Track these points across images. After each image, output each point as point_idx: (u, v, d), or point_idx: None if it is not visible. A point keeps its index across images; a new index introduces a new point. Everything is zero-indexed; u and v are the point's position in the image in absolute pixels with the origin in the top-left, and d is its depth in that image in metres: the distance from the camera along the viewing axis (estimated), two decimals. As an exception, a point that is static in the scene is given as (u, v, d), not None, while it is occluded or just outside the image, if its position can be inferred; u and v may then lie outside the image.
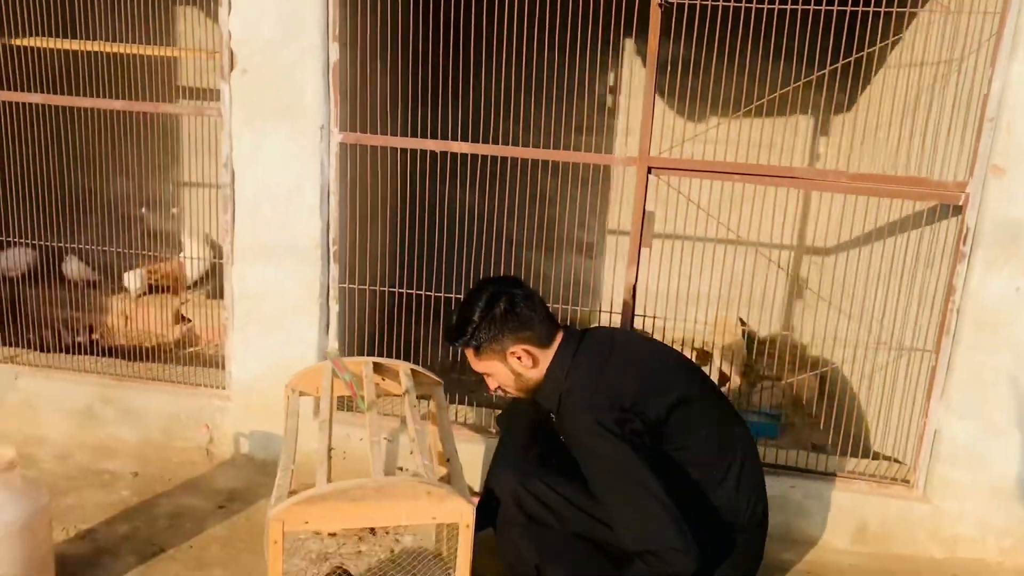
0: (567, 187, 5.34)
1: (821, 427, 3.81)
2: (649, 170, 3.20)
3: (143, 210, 5.40)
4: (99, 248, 4.24)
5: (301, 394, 3.01)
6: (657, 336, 3.73)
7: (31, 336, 4.50)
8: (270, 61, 3.29)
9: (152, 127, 5.14)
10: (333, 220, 3.44)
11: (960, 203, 3.04)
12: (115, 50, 3.75)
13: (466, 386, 4.02)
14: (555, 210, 5.46)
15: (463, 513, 2.34)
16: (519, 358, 2.60)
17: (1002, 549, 3.30)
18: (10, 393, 3.83)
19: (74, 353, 4.15)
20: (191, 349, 4.86)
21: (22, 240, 4.08)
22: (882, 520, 3.34)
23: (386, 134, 3.68)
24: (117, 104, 3.53)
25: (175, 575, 2.96)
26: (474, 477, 3.33)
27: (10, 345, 4.09)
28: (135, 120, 4.73)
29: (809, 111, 5.11)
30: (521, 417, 2.95)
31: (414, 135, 4.40)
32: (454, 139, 3.42)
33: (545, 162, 5.27)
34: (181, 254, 5.46)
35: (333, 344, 3.39)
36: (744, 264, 4.10)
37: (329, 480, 2.34)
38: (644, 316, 3.45)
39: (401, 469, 3.21)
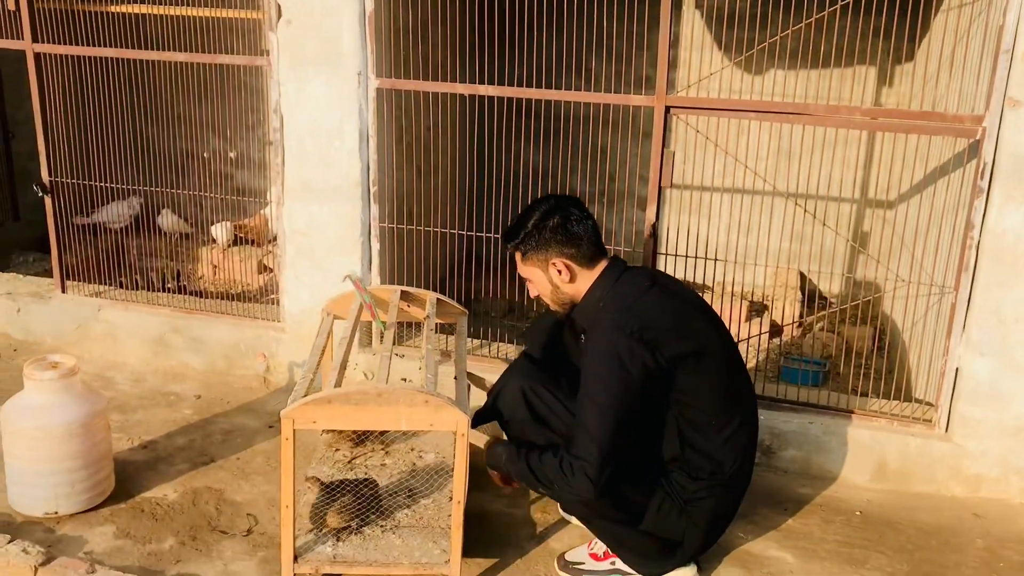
0: (626, 141, 5.42)
1: (870, 377, 3.82)
2: (668, 110, 3.29)
3: (232, 154, 5.77)
4: (193, 193, 4.57)
5: (335, 317, 3.25)
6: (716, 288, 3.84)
7: (123, 280, 4.92)
8: (312, 10, 3.52)
9: (240, 90, 5.49)
10: (372, 162, 3.66)
11: (977, 137, 3.01)
12: (180, 12, 4.05)
13: (507, 325, 4.22)
14: (614, 165, 5.56)
15: (458, 421, 2.53)
16: (559, 271, 2.72)
17: (1025, 490, 3.28)
18: (94, 323, 4.23)
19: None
20: (272, 296, 5.22)
21: (128, 186, 4.44)
22: (902, 458, 3.36)
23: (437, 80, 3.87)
24: (180, 56, 3.84)
25: (220, 480, 3.27)
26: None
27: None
28: (226, 80, 5.07)
29: (872, 60, 5.04)
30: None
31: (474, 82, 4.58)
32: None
33: (604, 117, 5.38)
34: (265, 208, 5.83)
35: (354, 269, 3.63)
36: (804, 217, 4.11)
37: (338, 387, 2.57)
38: (666, 255, 3.54)
39: (405, 380, 3.42)
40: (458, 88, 3.55)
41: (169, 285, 5.47)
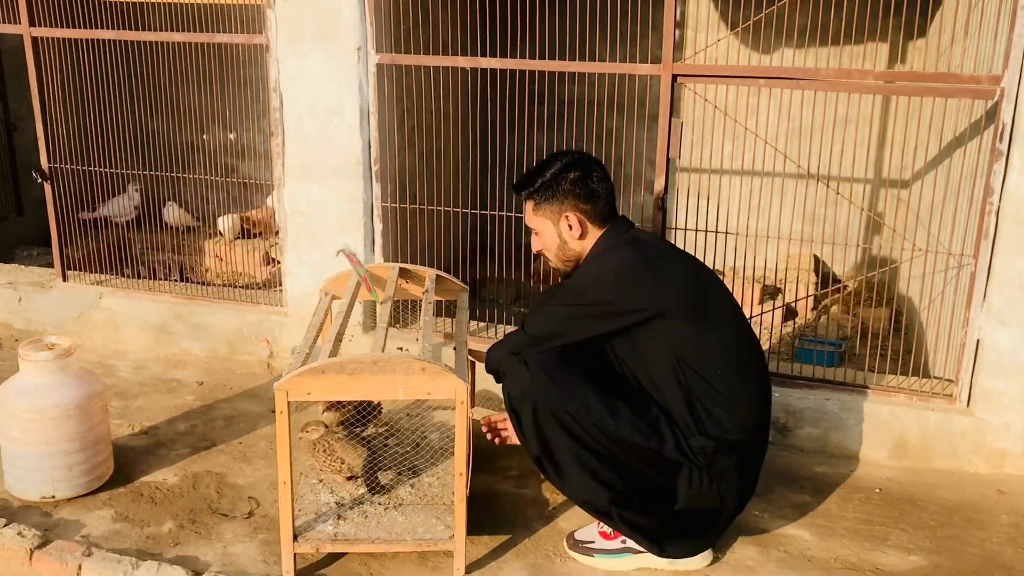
0: (632, 125, 5.34)
1: (888, 357, 3.71)
2: (674, 79, 3.20)
3: (231, 135, 5.73)
4: (196, 176, 4.51)
5: (333, 297, 3.18)
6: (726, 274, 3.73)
7: (127, 272, 4.87)
8: (309, -15, 3.46)
9: (244, 82, 5.44)
10: (374, 140, 3.59)
11: (995, 99, 2.91)
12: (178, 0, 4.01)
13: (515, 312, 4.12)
14: (620, 148, 5.47)
15: (456, 389, 2.45)
16: (570, 226, 2.65)
17: (1051, 465, 3.17)
18: (95, 312, 4.18)
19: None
20: (278, 288, 5.16)
21: (129, 171, 4.39)
22: (922, 434, 3.25)
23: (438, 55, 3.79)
24: (178, 36, 3.78)
25: (221, 464, 3.20)
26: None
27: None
28: (228, 71, 5.02)
29: (883, 36, 4.93)
30: None
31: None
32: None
33: (611, 99, 5.29)
34: (269, 198, 5.78)
35: (348, 243, 3.55)
36: (817, 198, 4.01)
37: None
38: (675, 229, 3.45)
39: (401, 349, 3.34)
40: (460, 61, 3.47)
41: (173, 277, 5.43)
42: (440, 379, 2.43)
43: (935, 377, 3.44)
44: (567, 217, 2.65)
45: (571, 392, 2.54)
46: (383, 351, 2.50)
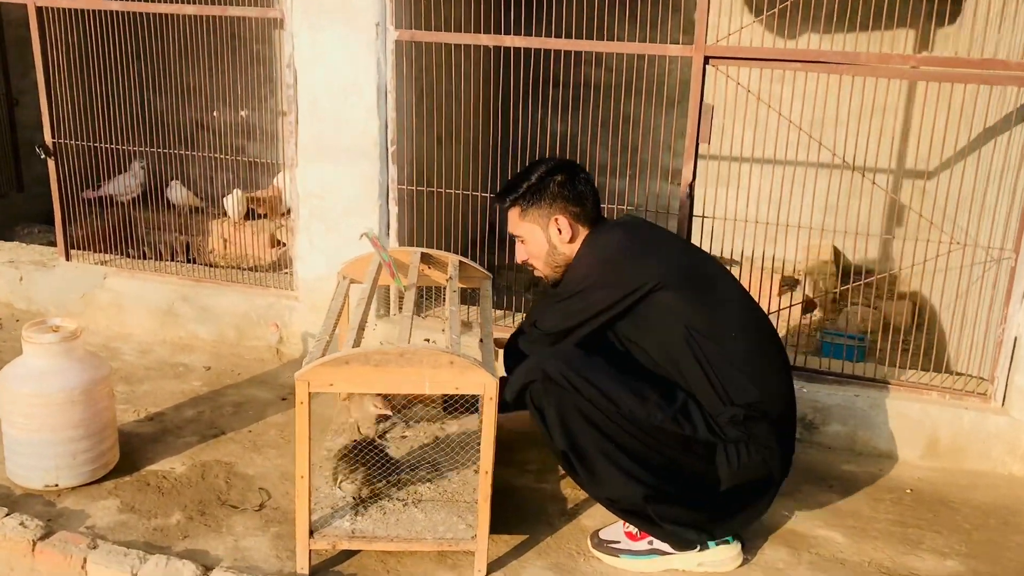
0: (651, 110, 5.21)
1: (910, 351, 3.61)
2: (706, 60, 3.08)
3: (243, 112, 5.60)
4: (203, 155, 4.39)
5: (352, 281, 3.06)
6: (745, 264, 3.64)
7: (131, 252, 4.74)
8: (326, -44, 3.32)
9: (255, 61, 5.31)
10: (391, 120, 3.46)
11: (1044, 86, 2.80)
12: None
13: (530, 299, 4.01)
14: (637, 135, 5.35)
15: (486, 384, 2.34)
16: (559, 229, 2.60)
17: (1088, 467, 3.07)
18: (99, 292, 4.06)
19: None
20: (286, 271, 5.05)
21: (135, 148, 4.25)
22: (954, 433, 3.15)
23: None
24: (189, 8, 3.64)
25: (230, 453, 3.09)
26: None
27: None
28: (238, 49, 4.89)
29: (910, 23, 4.81)
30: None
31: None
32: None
33: (629, 83, 5.17)
34: (276, 178, 5.64)
35: (371, 227, 3.44)
36: (840, 189, 3.90)
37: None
38: (703, 217, 3.33)
39: (428, 340, 3.23)
40: (482, 39, 3.34)
41: (179, 259, 5.30)
42: (469, 373, 2.31)
43: (968, 374, 3.34)
44: (557, 220, 2.60)
45: (597, 385, 2.44)
46: (409, 342, 2.38)
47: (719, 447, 2.45)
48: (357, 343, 2.41)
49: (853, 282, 5.06)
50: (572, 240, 2.62)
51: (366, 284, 2.80)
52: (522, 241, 2.68)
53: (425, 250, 3.08)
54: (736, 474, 2.47)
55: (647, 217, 3.63)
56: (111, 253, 4.26)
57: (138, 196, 5.37)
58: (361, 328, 2.50)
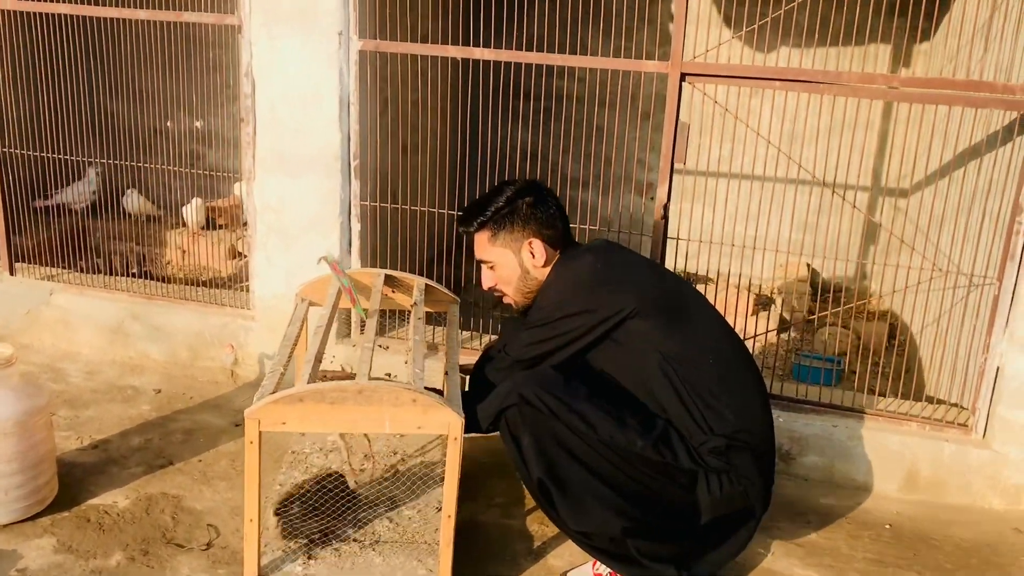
0: (624, 122, 5.09)
1: (889, 376, 3.52)
2: (683, 77, 2.96)
3: (198, 123, 5.40)
4: (158, 167, 4.19)
5: (311, 304, 2.90)
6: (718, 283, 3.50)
7: (82, 264, 4.53)
8: (287, -39, 3.16)
9: (212, 66, 5.12)
10: (354, 132, 3.30)
11: (1029, 110, 2.71)
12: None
13: (496, 317, 3.87)
14: (611, 148, 5.23)
15: (451, 424, 2.19)
16: (532, 253, 2.48)
17: (1071, 502, 2.99)
18: (45, 309, 3.85)
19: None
20: (245, 284, 4.87)
21: (85, 159, 4.06)
22: (935, 466, 3.06)
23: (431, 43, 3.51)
24: (142, 13, 3.46)
25: (178, 485, 2.91)
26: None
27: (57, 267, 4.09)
28: (196, 54, 4.71)
29: (888, 38, 4.74)
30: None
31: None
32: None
33: (602, 94, 5.05)
34: (236, 186, 5.45)
35: (332, 250, 3.28)
36: (810, 207, 3.80)
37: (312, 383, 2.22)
38: (677, 239, 3.21)
39: (389, 376, 3.08)
40: (450, 51, 3.19)
41: (132, 271, 5.09)
42: (433, 412, 2.17)
43: (949, 402, 3.24)
44: (531, 244, 2.48)
45: (575, 409, 2.32)
46: (368, 377, 2.23)
47: (700, 475, 2.33)
48: (313, 377, 2.24)
49: (827, 301, 5.00)
50: (546, 264, 2.49)
51: (325, 309, 2.64)
52: (490, 267, 2.54)
53: (390, 272, 2.93)
54: (717, 504, 2.35)
55: (621, 235, 3.54)
56: (60, 266, 4.05)
57: (92, 204, 5.16)
58: (318, 360, 2.34)
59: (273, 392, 2.22)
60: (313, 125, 3.29)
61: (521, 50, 3.12)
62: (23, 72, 3.83)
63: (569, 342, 2.42)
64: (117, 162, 4.00)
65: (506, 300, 2.61)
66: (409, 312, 2.92)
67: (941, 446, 3.04)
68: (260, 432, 2.15)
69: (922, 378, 3.67)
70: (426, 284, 2.93)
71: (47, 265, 4.08)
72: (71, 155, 3.91)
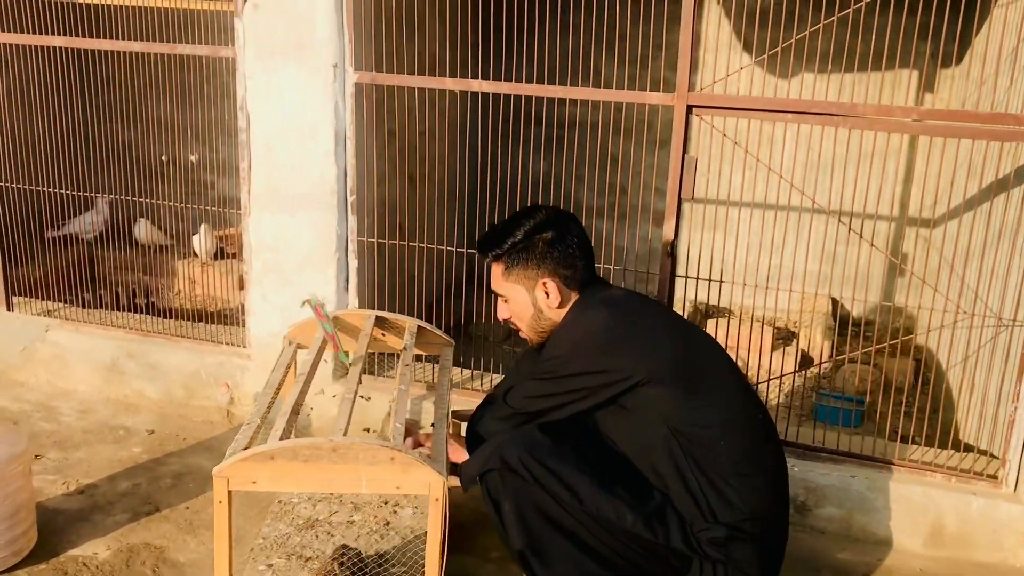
0: (640, 149, 4.95)
1: (913, 417, 3.33)
2: (690, 109, 2.82)
3: (193, 157, 5.35)
4: (167, 204, 4.12)
5: (299, 346, 2.79)
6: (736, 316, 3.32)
7: (87, 296, 4.47)
8: (282, -7, 3.07)
9: (223, 95, 5.07)
10: (350, 167, 3.20)
11: (1061, 144, 2.54)
12: (142, 3, 3.63)
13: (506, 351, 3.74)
14: (626, 176, 5.10)
15: (431, 484, 2.06)
16: (547, 293, 2.33)
17: (1109, 561, 2.78)
18: (41, 346, 3.78)
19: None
20: (242, 324, 4.80)
21: (89, 194, 4.00)
22: (961, 520, 2.86)
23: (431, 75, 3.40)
24: (137, 46, 3.39)
25: (162, 535, 2.80)
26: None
27: (66, 303, 4.02)
28: (203, 82, 4.66)
29: (913, 63, 4.56)
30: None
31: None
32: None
33: (615, 124, 4.92)
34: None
35: (316, 293, 3.16)
36: (837, 236, 3.63)
37: (286, 438, 2.10)
38: (687, 277, 3.06)
39: (367, 431, 2.95)
40: (447, 83, 3.08)
41: (139, 301, 5.02)
42: (413, 471, 2.04)
43: (978, 449, 3.05)
44: (544, 284, 2.32)
45: (561, 477, 2.16)
46: (346, 432, 2.10)
47: (694, 561, 2.16)
48: (287, 433, 2.12)
49: (852, 335, 4.80)
50: (562, 305, 2.34)
51: (309, 355, 2.53)
52: (505, 300, 2.40)
53: (380, 313, 2.81)
54: None
55: (637, 272, 3.37)
56: (60, 300, 3.98)
57: (102, 233, 5.11)
58: (295, 413, 2.22)
59: (246, 448, 2.10)
60: (309, 160, 3.19)
61: (531, 78, 3.01)
62: (22, 105, 3.78)
63: (571, 402, 2.27)
64: (121, 197, 3.93)
65: (521, 335, 2.47)
66: (400, 355, 2.79)
67: (968, 499, 2.85)
68: (230, 492, 2.03)
69: (949, 419, 3.48)
70: (419, 326, 2.81)
71: (49, 299, 4.01)
72: (78, 190, 3.85)
